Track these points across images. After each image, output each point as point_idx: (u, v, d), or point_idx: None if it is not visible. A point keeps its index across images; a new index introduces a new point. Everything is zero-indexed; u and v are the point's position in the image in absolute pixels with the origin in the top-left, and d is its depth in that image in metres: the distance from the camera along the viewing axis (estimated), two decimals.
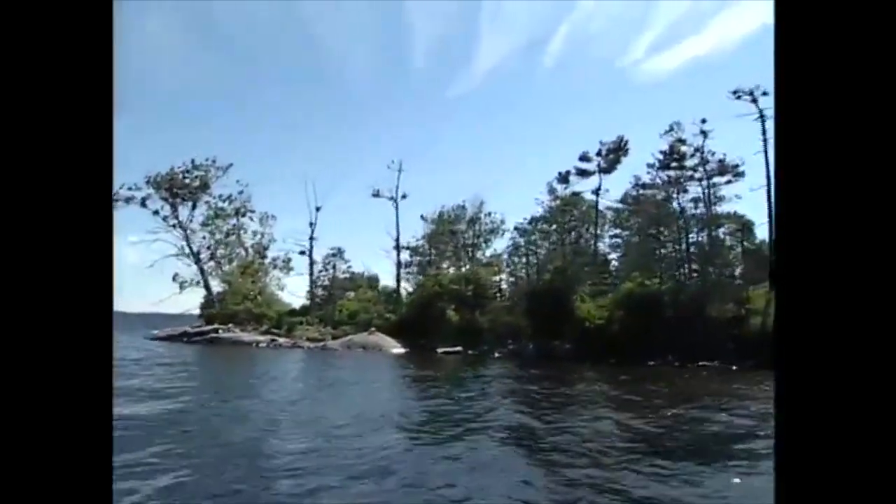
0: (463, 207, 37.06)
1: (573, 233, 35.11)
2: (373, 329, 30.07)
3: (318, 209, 37.18)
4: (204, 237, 39.02)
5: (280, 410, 10.62)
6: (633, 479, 6.30)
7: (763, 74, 25.15)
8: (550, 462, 7.23)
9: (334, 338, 30.40)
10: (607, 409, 11.58)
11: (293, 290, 39.24)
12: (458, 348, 27.32)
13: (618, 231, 35.92)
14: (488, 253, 37.04)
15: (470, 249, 36.40)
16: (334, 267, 38.64)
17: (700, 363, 22.79)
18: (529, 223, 35.48)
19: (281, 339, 30.86)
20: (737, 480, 6.45)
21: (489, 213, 37.18)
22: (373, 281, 38.22)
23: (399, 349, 28.07)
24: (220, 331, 31.95)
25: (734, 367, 21.80)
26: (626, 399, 13.58)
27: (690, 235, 30.20)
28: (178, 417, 9.30)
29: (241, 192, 39.12)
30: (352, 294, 36.49)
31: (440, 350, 27.37)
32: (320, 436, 8.25)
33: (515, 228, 36.40)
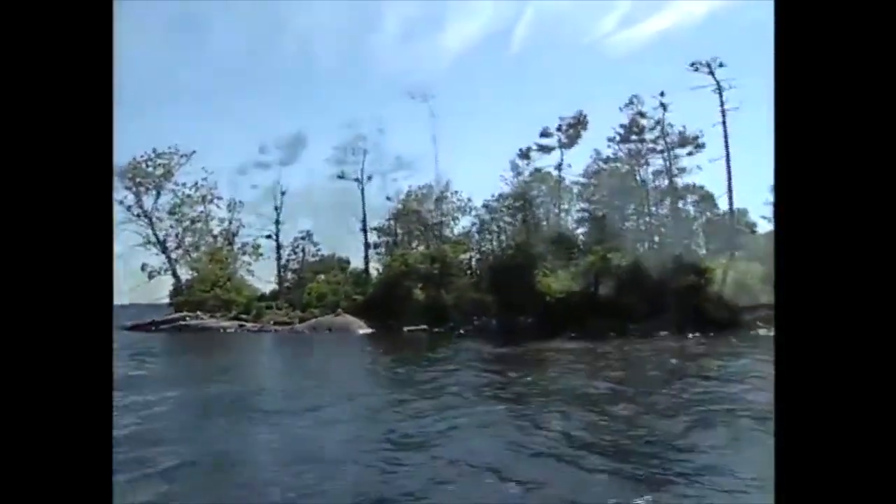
0: (430, 186, 36.97)
1: (541, 209, 35.19)
2: (339, 311, 30.05)
3: (283, 193, 36.95)
4: (171, 225, 38.51)
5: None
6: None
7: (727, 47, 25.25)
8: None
9: (302, 321, 30.37)
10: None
11: (263, 276, 38.76)
12: (424, 327, 27.45)
13: (585, 205, 36.04)
14: (456, 231, 37.05)
15: (437, 228, 36.35)
16: (304, 250, 38.40)
17: (660, 333, 23.20)
18: (496, 200, 35.46)
19: (248, 324, 30.79)
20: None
21: (456, 192, 37.13)
22: (343, 263, 38.02)
23: (365, 329, 28.09)
24: (187, 318, 31.79)
25: (690, 336, 22.38)
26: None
27: (653, 207, 30.49)
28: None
29: (205, 179, 38.55)
30: (322, 277, 36.32)
31: (406, 329, 27.49)
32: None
33: (483, 206, 36.39)
